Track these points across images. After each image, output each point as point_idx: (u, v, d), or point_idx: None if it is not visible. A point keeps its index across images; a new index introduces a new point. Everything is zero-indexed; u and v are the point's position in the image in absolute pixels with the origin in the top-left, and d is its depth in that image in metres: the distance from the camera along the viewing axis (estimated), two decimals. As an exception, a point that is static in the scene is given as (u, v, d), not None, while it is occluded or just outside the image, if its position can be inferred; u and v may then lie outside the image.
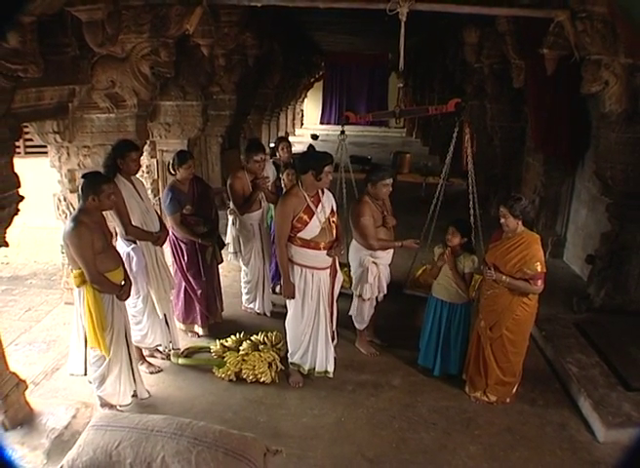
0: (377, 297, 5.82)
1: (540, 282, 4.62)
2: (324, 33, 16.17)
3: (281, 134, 19.16)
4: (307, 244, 4.93)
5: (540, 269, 4.56)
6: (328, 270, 5.11)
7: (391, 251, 5.76)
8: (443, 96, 14.46)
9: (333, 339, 5.32)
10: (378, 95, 29.31)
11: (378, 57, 26.16)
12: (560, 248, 8.65)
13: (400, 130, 27.73)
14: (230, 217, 6.44)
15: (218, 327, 6.18)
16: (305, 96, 25.91)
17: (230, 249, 6.50)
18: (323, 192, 5.06)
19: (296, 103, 24.61)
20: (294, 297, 5.06)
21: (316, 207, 4.94)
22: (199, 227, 5.70)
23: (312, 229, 4.90)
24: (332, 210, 5.10)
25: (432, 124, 19.48)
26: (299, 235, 4.91)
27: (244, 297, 6.74)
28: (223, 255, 6.27)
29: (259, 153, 6.15)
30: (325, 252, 4.99)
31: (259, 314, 6.64)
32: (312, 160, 5.05)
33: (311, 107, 30.41)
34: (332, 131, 25.25)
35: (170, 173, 5.76)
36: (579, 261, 7.99)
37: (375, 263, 5.59)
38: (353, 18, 11.64)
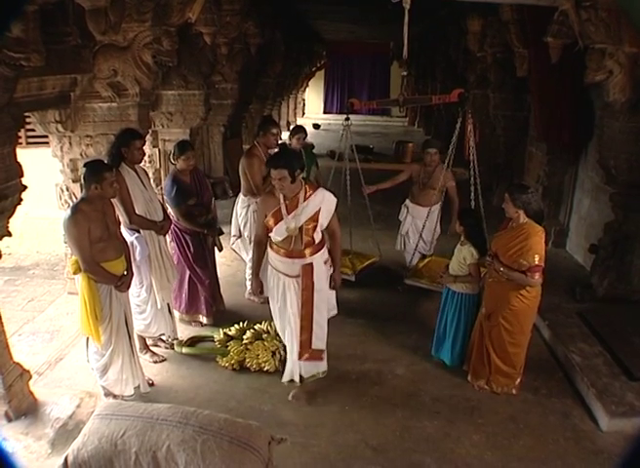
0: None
1: (537, 275, 4.59)
2: (325, 22, 16.10)
3: (282, 122, 19.11)
4: (271, 245, 4.75)
5: (537, 262, 4.53)
6: (296, 279, 4.67)
7: (423, 208, 6.80)
8: (445, 85, 14.40)
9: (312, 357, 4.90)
10: (379, 84, 29.35)
11: (379, 45, 26.06)
12: (563, 237, 8.63)
13: (402, 119, 27.71)
14: (242, 202, 6.39)
15: (221, 316, 6.19)
16: (307, 85, 25.83)
17: (246, 233, 6.45)
18: (308, 197, 4.55)
19: (297, 93, 24.52)
20: (256, 294, 5.02)
21: (289, 213, 4.53)
22: (203, 217, 5.70)
23: (278, 233, 4.60)
24: (314, 218, 4.56)
25: (434, 113, 19.43)
26: (270, 234, 4.70)
27: (248, 286, 6.69)
28: (229, 242, 6.27)
29: (275, 127, 6.25)
30: (288, 260, 4.64)
31: (263, 303, 6.62)
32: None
33: (313, 97, 30.42)
34: (333, 120, 25.23)
35: (171, 162, 5.75)
36: (581, 251, 7.97)
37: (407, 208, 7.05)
38: (354, 6, 11.61)
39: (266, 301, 6.55)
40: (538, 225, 4.69)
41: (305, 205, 4.53)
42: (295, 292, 4.69)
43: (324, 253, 4.78)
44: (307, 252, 4.63)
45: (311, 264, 4.63)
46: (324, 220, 4.62)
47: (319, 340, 4.80)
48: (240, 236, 6.49)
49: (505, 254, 4.69)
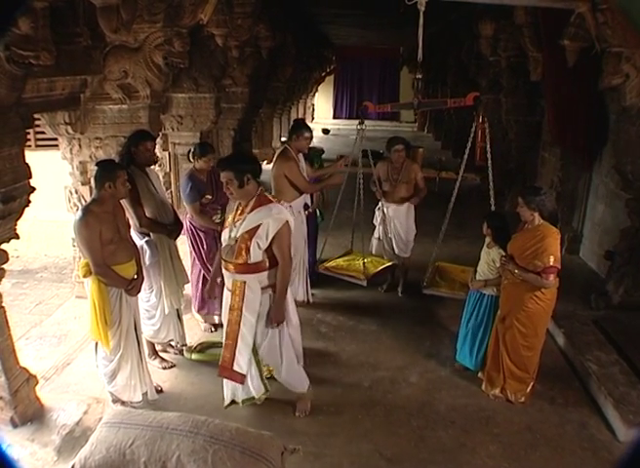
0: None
1: (551, 276, 4.54)
2: (335, 26, 16.11)
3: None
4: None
5: (552, 262, 4.47)
6: (229, 293, 4.41)
7: (399, 206, 6.85)
8: (456, 89, 14.37)
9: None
10: (389, 89, 29.41)
11: (389, 50, 26.11)
12: (577, 243, 8.54)
13: (411, 124, 27.67)
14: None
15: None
16: (317, 90, 25.85)
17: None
18: (254, 208, 4.23)
19: (307, 97, 24.53)
20: None
21: (235, 221, 4.31)
22: (217, 216, 5.65)
23: (223, 237, 4.44)
24: (250, 233, 4.18)
25: (445, 118, 19.35)
26: None
27: None
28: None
29: (308, 131, 6.23)
30: (225, 270, 4.40)
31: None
32: None
33: (322, 101, 30.47)
34: (342, 125, 25.29)
35: (189, 160, 5.71)
36: (595, 257, 7.88)
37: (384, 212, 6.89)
38: (365, 9, 11.58)
39: (307, 301, 6.59)
40: (553, 227, 4.65)
41: (247, 217, 4.22)
42: (226, 304, 4.44)
43: (264, 279, 4.34)
44: (238, 268, 4.29)
45: (244, 283, 4.28)
46: (262, 241, 4.18)
47: (240, 364, 4.43)
48: None
49: (521, 256, 4.65)
